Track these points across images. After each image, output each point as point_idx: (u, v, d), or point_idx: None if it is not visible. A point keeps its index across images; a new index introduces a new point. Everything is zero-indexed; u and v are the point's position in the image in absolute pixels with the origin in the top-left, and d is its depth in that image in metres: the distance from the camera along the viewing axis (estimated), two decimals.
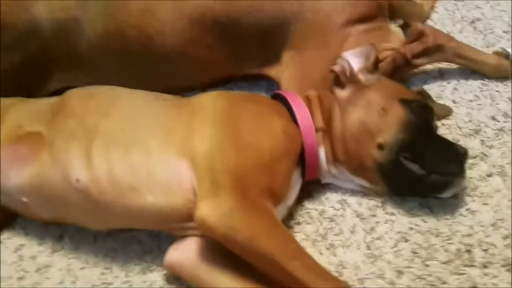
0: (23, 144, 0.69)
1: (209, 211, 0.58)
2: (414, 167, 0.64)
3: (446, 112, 0.81)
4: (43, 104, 0.75)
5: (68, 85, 0.83)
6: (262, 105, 0.71)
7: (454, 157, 0.65)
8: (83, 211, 0.66)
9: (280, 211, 0.65)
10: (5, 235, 0.75)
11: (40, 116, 0.71)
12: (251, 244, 0.56)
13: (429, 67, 0.88)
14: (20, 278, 0.69)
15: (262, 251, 0.56)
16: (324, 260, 0.65)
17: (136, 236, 0.72)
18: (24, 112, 0.74)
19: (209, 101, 0.69)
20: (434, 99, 0.83)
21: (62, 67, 0.89)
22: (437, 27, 0.91)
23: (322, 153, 0.70)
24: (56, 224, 0.73)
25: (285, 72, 0.86)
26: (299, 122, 0.69)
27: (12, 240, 0.74)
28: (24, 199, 0.68)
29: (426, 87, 0.86)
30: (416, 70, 0.89)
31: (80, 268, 0.70)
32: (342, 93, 0.71)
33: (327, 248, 0.66)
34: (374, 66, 0.72)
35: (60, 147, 0.66)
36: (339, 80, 0.72)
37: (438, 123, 0.80)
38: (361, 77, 0.71)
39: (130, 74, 0.89)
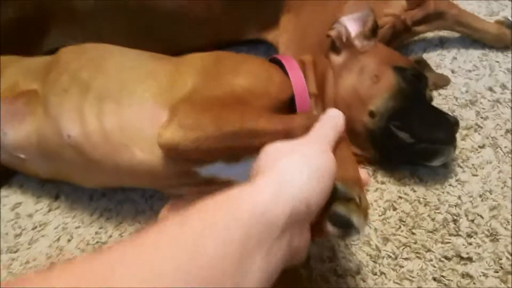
0: (19, 101, 0.69)
1: (164, 131, 0.56)
2: (404, 135, 0.64)
3: (444, 82, 0.80)
4: (39, 62, 0.74)
5: (66, 43, 0.83)
6: (255, 60, 0.68)
7: (444, 126, 0.64)
8: (77, 167, 0.66)
9: None
10: (3, 193, 0.77)
11: (35, 74, 0.71)
12: (220, 130, 0.54)
13: (429, 35, 0.86)
14: (17, 235, 0.71)
15: (232, 130, 0.53)
16: None
17: (130, 197, 0.74)
18: (20, 70, 0.73)
19: (199, 57, 0.68)
20: (433, 68, 0.82)
21: (59, 23, 0.88)
22: None
23: None
24: (53, 182, 0.75)
25: (283, 36, 0.85)
26: (293, 85, 0.67)
27: (10, 198, 0.76)
28: (21, 155, 0.69)
29: (425, 55, 0.85)
30: (416, 38, 0.87)
31: (76, 227, 0.71)
32: (337, 59, 0.70)
33: None
34: (372, 32, 0.70)
35: (53, 102, 0.66)
36: (335, 45, 0.71)
37: (435, 93, 0.79)
38: (357, 42, 0.69)
39: (127, 35, 0.88)
